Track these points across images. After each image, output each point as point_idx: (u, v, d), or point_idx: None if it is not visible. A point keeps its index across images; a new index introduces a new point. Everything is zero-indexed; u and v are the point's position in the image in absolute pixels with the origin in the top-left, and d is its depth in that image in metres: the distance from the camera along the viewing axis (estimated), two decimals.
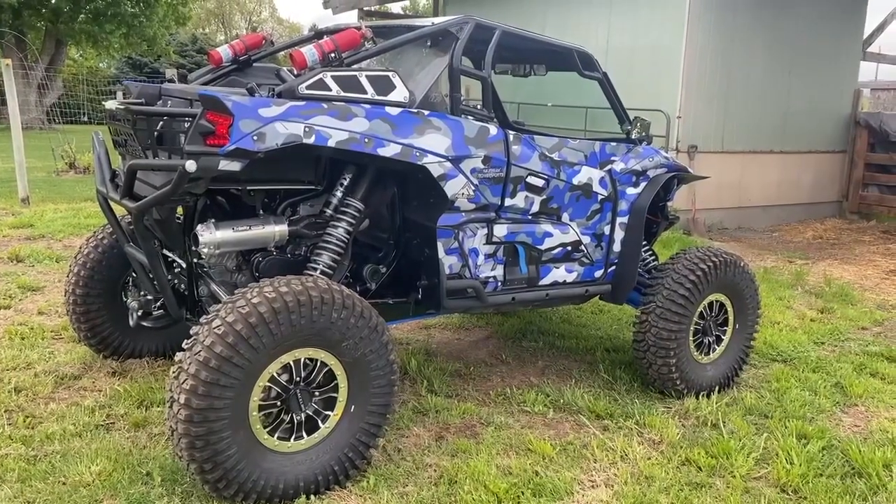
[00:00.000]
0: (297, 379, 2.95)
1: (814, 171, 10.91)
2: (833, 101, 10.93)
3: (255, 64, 4.08)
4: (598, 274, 4.25)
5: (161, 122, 3.22)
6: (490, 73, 3.63)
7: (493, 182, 3.60)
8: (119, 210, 3.58)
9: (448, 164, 3.37)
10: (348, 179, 3.39)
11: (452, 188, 3.41)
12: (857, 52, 11.18)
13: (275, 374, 2.87)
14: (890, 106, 13.42)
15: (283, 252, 3.48)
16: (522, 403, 4.07)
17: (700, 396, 4.27)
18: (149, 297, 3.59)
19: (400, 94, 3.28)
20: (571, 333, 5.32)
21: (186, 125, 3.08)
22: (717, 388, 4.38)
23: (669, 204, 4.84)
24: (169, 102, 3.54)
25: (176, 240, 3.36)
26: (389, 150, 3.18)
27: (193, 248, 3.28)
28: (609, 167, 4.15)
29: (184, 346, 2.79)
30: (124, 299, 4.13)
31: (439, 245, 3.47)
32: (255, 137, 2.87)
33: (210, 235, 3.14)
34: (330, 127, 3.04)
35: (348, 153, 3.11)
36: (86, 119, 23.33)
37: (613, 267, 4.30)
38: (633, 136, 4.31)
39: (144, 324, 4.20)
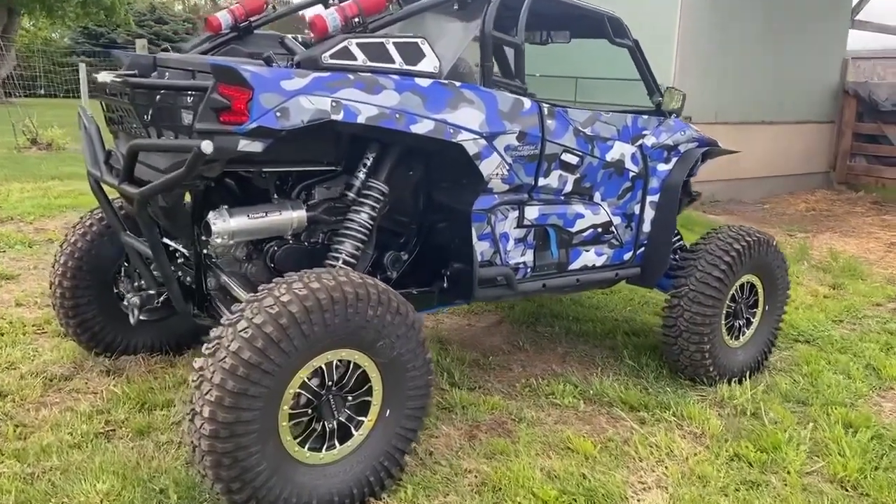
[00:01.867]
0: (329, 383, 2.65)
1: (802, 141, 10.78)
2: (822, 71, 10.79)
3: (255, 31, 3.71)
4: (627, 256, 4.00)
5: (158, 97, 2.86)
6: (523, 40, 3.31)
7: (528, 160, 3.31)
8: (111, 193, 3.23)
9: (482, 142, 3.07)
10: (371, 159, 3.07)
11: (487, 168, 3.12)
12: (846, 21, 11.03)
13: (305, 380, 2.57)
14: (870, 75, 13.33)
15: (298, 240, 3.16)
16: (551, 395, 3.82)
17: (732, 383, 4.07)
18: (150, 292, 3.25)
19: (430, 63, 2.96)
20: (586, 316, 5.08)
21: (190, 100, 2.74)
22: (748, 373, 4.19)
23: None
24: (167, 74, 3.19)
25: (183, 228, 3.01)
26: (422, 127, 2.87)
27: (204, 237, 2.94)
28: (640, 142, 3.88)
29: (204, 350, 2.47)
30: (116, 291, 3.79)
31: (473, 231, 3.17)
32: (277, 114, 2.54)
33: (224, 224, 2.81)
34: (358, 101, 2.71)
35: (378, 130, 2.79)
36: (42, 92, 22.43)
37: (642, 248, 4.05)
38: (664, 109, 4.03)
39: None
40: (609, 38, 3.79)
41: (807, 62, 10.48)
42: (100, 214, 3.73)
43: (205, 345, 2.49)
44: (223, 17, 3.57)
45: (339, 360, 2.64)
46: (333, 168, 3.09)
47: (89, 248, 3.68)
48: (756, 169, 10.21)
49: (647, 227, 4.01)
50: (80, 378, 3.66)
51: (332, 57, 2.73)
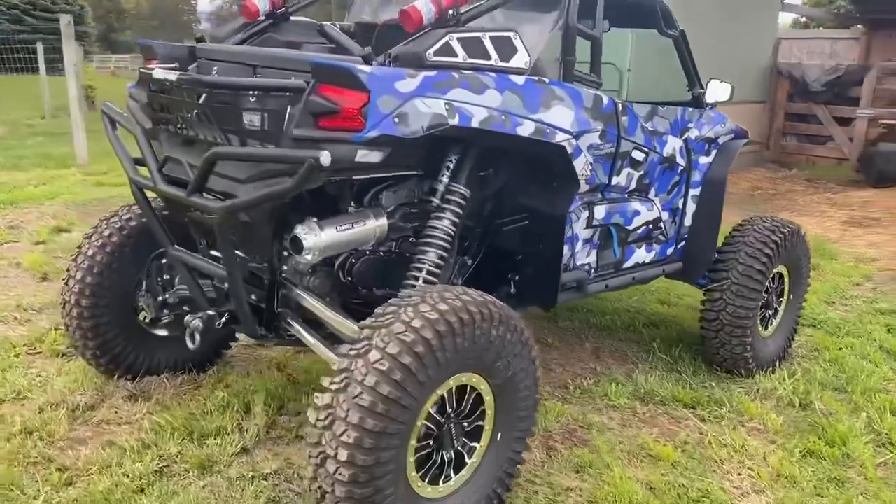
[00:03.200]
0: (449, 411, 2.45)
1: (738, 121, 11.01)
2: (755, 53, 11.09)
3: (292, 18, 3.39)
4: (670, 251, 3.94)
5: (205, 95, 2.54)
6: (601, 32, 3.15)
7: (606, 159, 3.17)
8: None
9: (574, 142, 2.91)
10: (454, 162, 2.84)
11: (578, 169, 2.95)
12: (776, 3, 11.38)
13: (430, 410, 2.36)
14: (786, 56, 13.87)
15: (373, 250, 2.92)
16: (605, 397, 3.73)
17: (767, 373, 4.10)
18: (210, 313, 2.90)
19: (521, 58, 2.76)
20: (598, 308, 5.01)
21: (254, 100, 2.45)
22: (777, 363, 4.23)
23: None
24: (215, 69, 2.86)
25: (262, 244, 2.70)
26: (525, 129, 2.68)
27: (288, 253, 2.66)
28: (686, 135, 3.81)
29: (329, 385, 2.21)
30: (137, 306, 3.42)
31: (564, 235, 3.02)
32: (395, 119, 2.29)
33: (315, 239, 2.54)
34: (468, 103, 2.49)
35: (487, 135, 2.58)
36: None
37: (683, 243, 4.00)
38: (706, 101, 3.96)
39: (157, 332, 3.54)
40: (659, 28, 3.68)
41: (742, 44, 10.74)
42: (119, 223, 3.34)
43: (329, 379, 2.23)
44: (260, 3, 3.23)
45: (459, 386, 2.44)
46: (413, 172, 2.85)
47: (110, 262, 3.28)
48: None
49: (687, 221, 3.96)
50: (107, 407, 3.28)
51: (435, 54, 2.49)
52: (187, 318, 2.82)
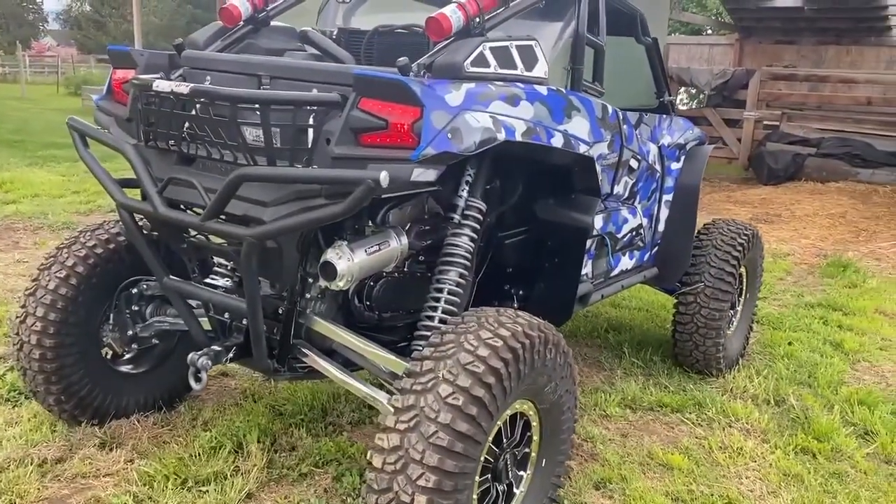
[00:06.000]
0: (505, 442, 2.32)
1: None
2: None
3: (272, 23, 3.14)
4: (646, 257, 3.97)
5: (198, 106, 2.31)
6: (605, 40, 3.11)
7: (611, 168, 3.14)
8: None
9: (591, 152, 2.84)
10: (472, 175, 2.71)
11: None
12: (665, 10, 11.86)
13: (490, 443, 2.23)
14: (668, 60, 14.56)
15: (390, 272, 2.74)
16: (595, 407, 3.70)
17: (733, 371, 4.22)
18: (216, 348, 2.61)
19: (541, 68, 2.67)
20: None
21: (259, 114, 2.24)
22: (739, 360, 4.36)
23: None
24: (207, 78, 2.60)
25: (287, 273, 2.45)
26: (557, 141, 2.58)
27: (314, 280, 2.44)
28: (661, 142, 3.84)
29: (395, 424, 2.03)
30: (102, 342, 3.08)
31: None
32: (449, 135, 2.14)
33: (348, 263, 2.35)
34: (508, 115, 2.38)
35: (529, 149, 2.47)
36: None
37: (656, 248, 4.04)
38: (674, 107, 4.02)
39: (121, 369, 3.21)
40: (637, 35, 3.70)
41: (636, 48, 11.13)
42: (83, 250, 2.97)
43: (390, 417, 2.05)
44: (242, 6, 2.97)
45: (511, 414, 2.33)
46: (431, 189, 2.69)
47: (75, 296, 2.92)
48: None
49: (661, 227, 4.00)
50: (79, 458, 2.91)
51: (472, 64, 2.35)
52: (190, 356, 2.53)
